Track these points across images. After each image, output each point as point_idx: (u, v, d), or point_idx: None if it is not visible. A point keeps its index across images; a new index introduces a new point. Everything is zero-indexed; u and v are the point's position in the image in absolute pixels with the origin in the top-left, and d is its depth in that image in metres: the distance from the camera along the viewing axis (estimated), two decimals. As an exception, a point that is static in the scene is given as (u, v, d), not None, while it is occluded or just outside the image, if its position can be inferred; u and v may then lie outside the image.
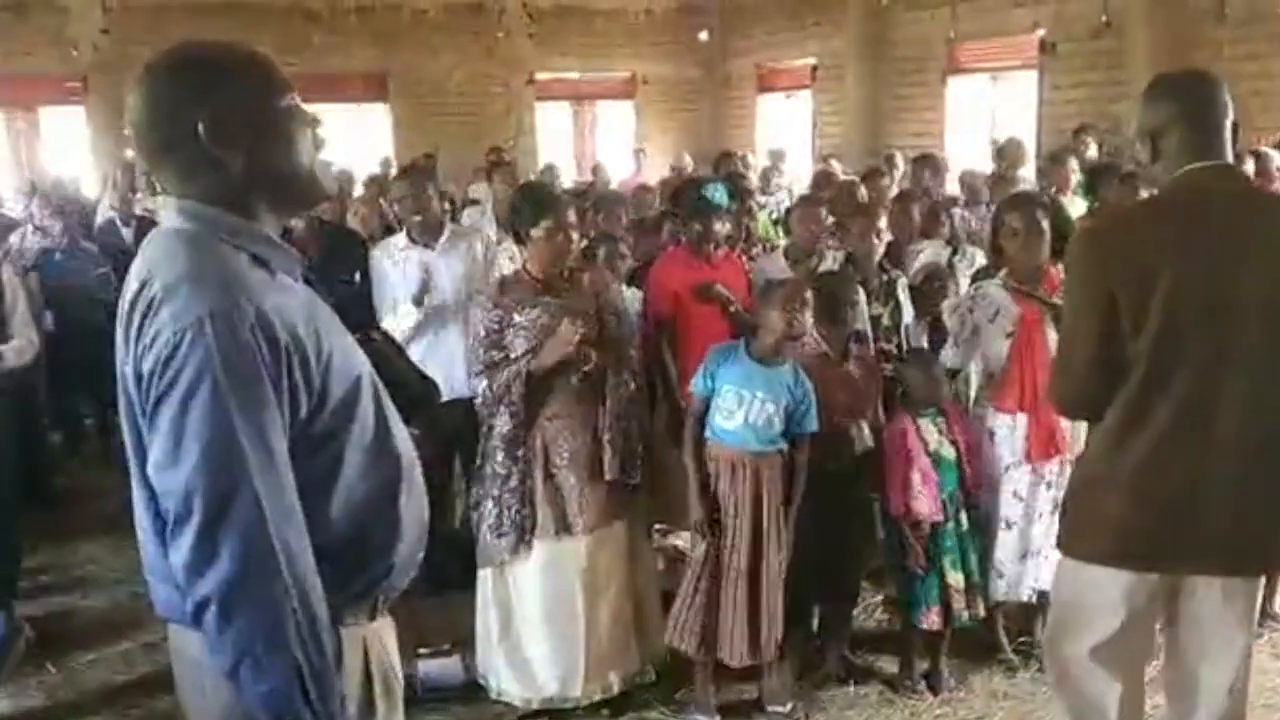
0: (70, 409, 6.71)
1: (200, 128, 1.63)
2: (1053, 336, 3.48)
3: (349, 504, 1.72)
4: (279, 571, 1.55)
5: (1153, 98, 2.54)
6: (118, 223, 7.85)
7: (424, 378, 3.21)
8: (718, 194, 4.60)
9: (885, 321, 4.55)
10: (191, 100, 1.64)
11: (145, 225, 7.54)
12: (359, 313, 4.43)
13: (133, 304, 1.62)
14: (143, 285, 1.62)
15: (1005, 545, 3.85)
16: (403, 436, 1.84)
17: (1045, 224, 3.78)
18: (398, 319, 4.58)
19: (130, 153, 11.69)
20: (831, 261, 4.84)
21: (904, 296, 4.65)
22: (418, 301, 4.54)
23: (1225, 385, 2.38)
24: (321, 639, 1.60)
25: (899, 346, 4.50)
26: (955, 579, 3.77)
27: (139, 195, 8.62)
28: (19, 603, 4.54)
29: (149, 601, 1.78)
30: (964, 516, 3.80)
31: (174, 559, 1.56)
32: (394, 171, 9.86)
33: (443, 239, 4.77)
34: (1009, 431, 3.80)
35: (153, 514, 1.64)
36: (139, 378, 1.58)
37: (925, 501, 3.73)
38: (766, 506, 3.59)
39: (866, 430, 3.78)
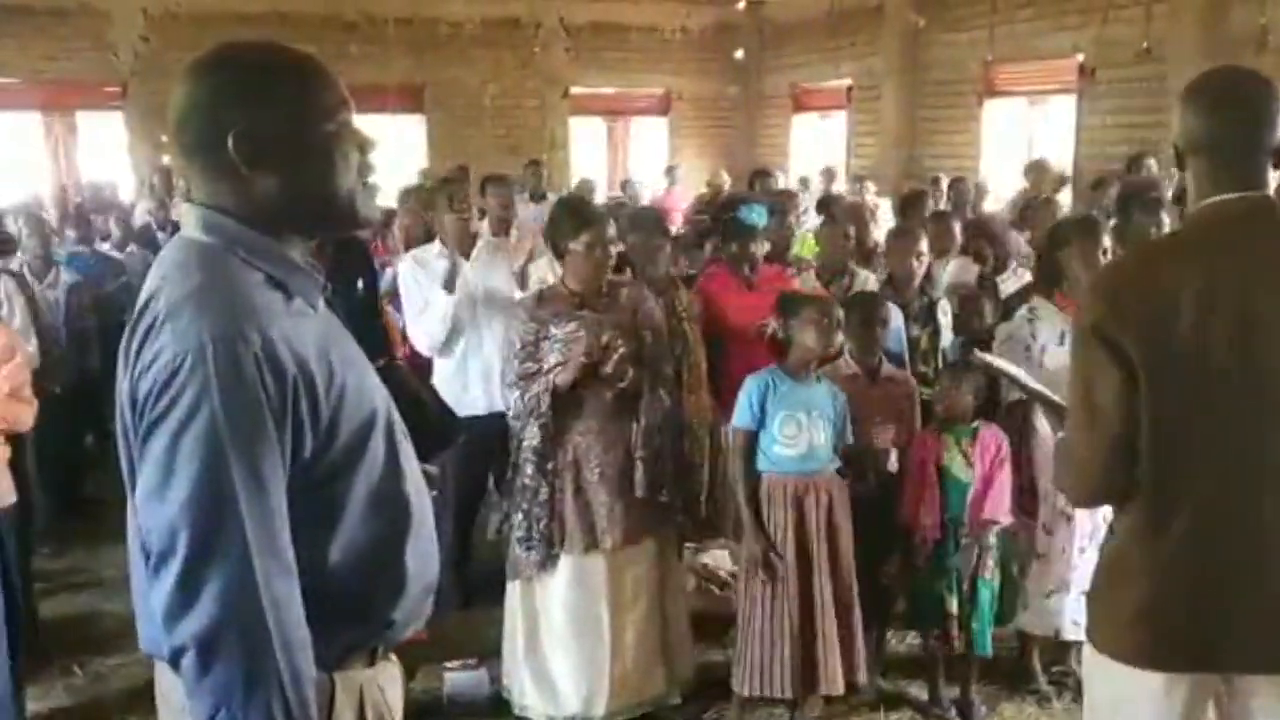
0: (102, 413, 6.73)
1: (230, 140, 1.53)
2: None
3: (350, 550, 1.59)
4: (264, 621, 1.43)
5: (1183, 107, 2.14)
6: (154, 228, 7.90)
7: (446, 412, 3.21)
8: (755, 215, 4.57)
9: (924, 344, 4.51)
10: (226, 108, 1.54)
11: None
12: (366, 321, 4.46)
13: (138, 318, 1.53)
14: (149, 300, 1.53)
15: (1079, 575, 3.75)
16: (415, 481, 1.71)
17: (1109, 244, 3.75)
18: (429, 316, 4.58)
19: (167, 159, 11.83)
20: (863, 282, 4.81)
21: (944, 319, 4.60)
22: (448, 286, 4.54)
23: (1268, 453, 2.02)
24: (305, 694, 1.49)
25: (937, 369, 4.45)
26: (951, 604, 3.70)
27: (176, 201, 8.67)
28: (45, 605, 4.55)
29: None
30: (953, 544, 3.70)
31: (154, 598, 1.46)
32: (429, 183, 9.91)
33: (476, 250, 4.77)
34: None
35: (141, 544, 1.52)
36: (134, 399, 1.48)
37: (926, 518, 3.68)
38: (817, 530, 3.55)
39: (894, 454, 3.73)
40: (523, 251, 4.94)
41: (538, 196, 9.64)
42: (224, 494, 1.42)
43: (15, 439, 3.99)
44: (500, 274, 4.74)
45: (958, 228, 5.46)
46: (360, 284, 4.88)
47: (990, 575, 3.69)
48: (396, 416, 1.71)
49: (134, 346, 1.51)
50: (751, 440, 3.59)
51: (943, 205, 7.79)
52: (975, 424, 3.75)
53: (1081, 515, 3.69)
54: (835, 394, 3.64)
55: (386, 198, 8.83)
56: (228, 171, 1.56)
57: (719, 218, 5.03)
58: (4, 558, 3.47)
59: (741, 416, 3.60)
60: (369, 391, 1.65)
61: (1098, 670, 2.22)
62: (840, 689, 3.62)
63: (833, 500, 3.60)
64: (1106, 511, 3.65)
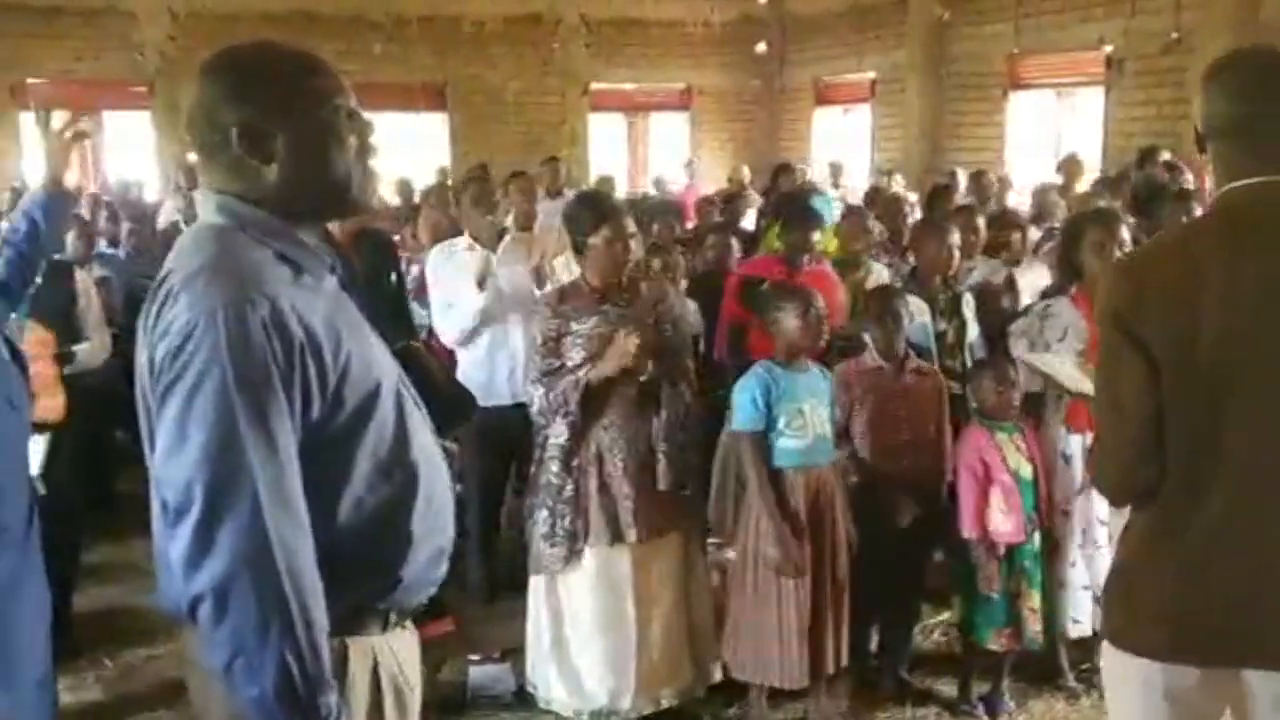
0: (132, 408, 6.80)
1: (234, 134, 1.64)
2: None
3: (357, 512, 1.68)
4: (276, 570, 1.51)
5: (1205, 89, 2.07)
6: (182, 226, 7.96)
7: (461, 390, 3.22)
8: (825, 206, 4.62)
9: (950, 338, 4.49)
10: (227, 105, 1.65)
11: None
12: (394, 315, 4.49)
13: (154, 293, 1.62)
14: (165, 276, 1.63)
15: (1077, 572, 3.77)
16: (426, 450, 1.79)
17: (1127, 239, 3.71)
18: (458, 312, 4.61)
19: (193, 156, 11.88)
20: (878, 274, 4.81)
21: (969, 313, 4.58)
22: (480, 283, 4.56)
23: None
24: (317, 643, 1.56)
25: (963, 364, 4.43)
26: (1033, 600, 3.69)
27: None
28: (76, 598, 4.59)
29: None
30: (1037, 537, 3.71)
31: (172, 551, 1.55)
32: (450, 181, 9.95)
33: (502, 245, 4.79)
34: (1083, 452, 3.70)
35: (162, 505, 1.62)
36: (152, 366, 1.57)
37: (1007, 520, 3.63)
38: (826, 519, 3.55)
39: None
40: (539, 248, 4.96)
41: (555, 193, 9.64)
42: (235, 449, 1.50)
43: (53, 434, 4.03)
44: (525, 269, 4.76)
45: (982, 223, 5.43)
46: (390, 276, 4.91)
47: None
48: (409, 390, 1.79)
49: (150, 317, 1.61)
50: (760, 441, 3.55)
51: (961, 199, 7.74)
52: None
53: (1080, 513, 3.72)
54: (824, 376, 3.66)
55: (411, 194, 8.91)
56: (236, 164, 1.67)
57: (781, 207, 5.04)
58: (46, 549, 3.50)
59: (747, 418, 3.56)
60: (376, 362, 1.73)
61: (1117, 665, 2.19)
62: (841, 665, 3.63)
63: (835, 489, 3.59)
64: (1100, 511, 3.68)
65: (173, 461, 1.53)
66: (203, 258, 1.61)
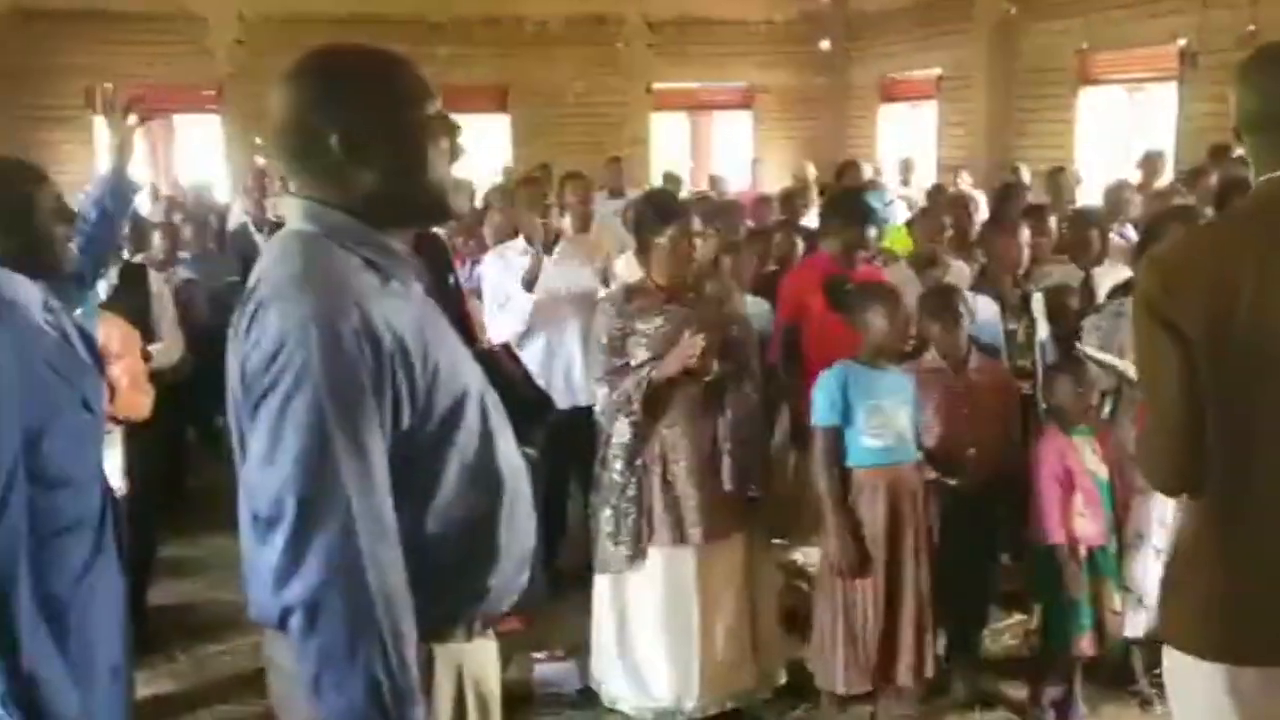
0: (203, 407, 6.91)
1: (333, 140, 1.62)
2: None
3: (446, 522, 1.67)
4: (366, 582, 1.51)
5: (1238, 84, 2.04)
6: (250, 228, 8.07)
7: (540, 393, 3.23)
8: (879, 201, 4.54)
9: (1020, 337, 4.42)
10: (326, 111, 1.63)
11: (277, 230, 7.78)
12: (455, 320, 4.51)
13: (244, 302, 1.62)
14: (255, 285, 1.62)
15: (1151, 574, 3.69)
16: (511, 459, 1.78)
17: None
18: (509, 314, 4.63)
19: (261, 159, 12.10)
20: (957, 272, 4.73)
21: (1039, 312, 4.51)
22: (527, 286, 4.57)
23: None
24: (405, 656, 1.55)
25: (1034, 363, 4.36)
26: (1115, 603, 3.63)
27: (272, 200, 8.85)
28: (150, 592, 4.68)
29: None
30: (1114, 538, 3.65)
31: (262, 561, 1.55)
32: (512, 182, 9.99)
33: (559, 247, 4.80)
34: None
35: (251, 513, 1.62)
36: (244, 376, 1.58)
37: (1090, 524, 3.58)
38: (906, 523, 3.51)
39: (972, 453, 3.66)
40: (600, 249, 4.96)
41: (617, 193, 9.66)
42: (328, 461, 1.50)
43: (128, 431, 4.10)
44: (581, 270, 4.76)
45: (1054, 222, 5.33)
46: (449, 279, 4.95)
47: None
48: (492, 396, 1.78)
49: (241, 328, 1.60)
50: (836, 437, 3.54)
51: (1035, 198, 7.61)
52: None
53: (1143, 512, 3.65)
54: (909, 378, 3.61)
55: (476, 196, 8.96)
56: (329, 169, 1.65)
57: (834, 204, 4.97)
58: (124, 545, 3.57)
59: (824, 413, 3.54)
60: (463, 370, 1.71)
61: (1177, 669, 2.13)
62: (911, 682, 3.58)
63: (918, 491, 3.55)
64: (1162, 512, 3.60)
65: (265, 472, 1.53)
66: (292, 267, 1.60)
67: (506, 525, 1.75)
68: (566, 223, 5.37)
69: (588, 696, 3.92)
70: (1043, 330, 4.50)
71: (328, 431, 1.50)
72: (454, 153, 1.73)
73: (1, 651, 2.13)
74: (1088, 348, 3.71)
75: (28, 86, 13.23)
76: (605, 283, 4.70)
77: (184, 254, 6.58)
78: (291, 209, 1.70)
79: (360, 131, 1.63)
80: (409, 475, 1.60)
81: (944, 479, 3.69)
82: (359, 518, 1.51)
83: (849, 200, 4.84)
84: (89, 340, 2.57)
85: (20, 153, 3.19)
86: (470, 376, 1.73)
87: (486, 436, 1.72)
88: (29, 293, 2.37)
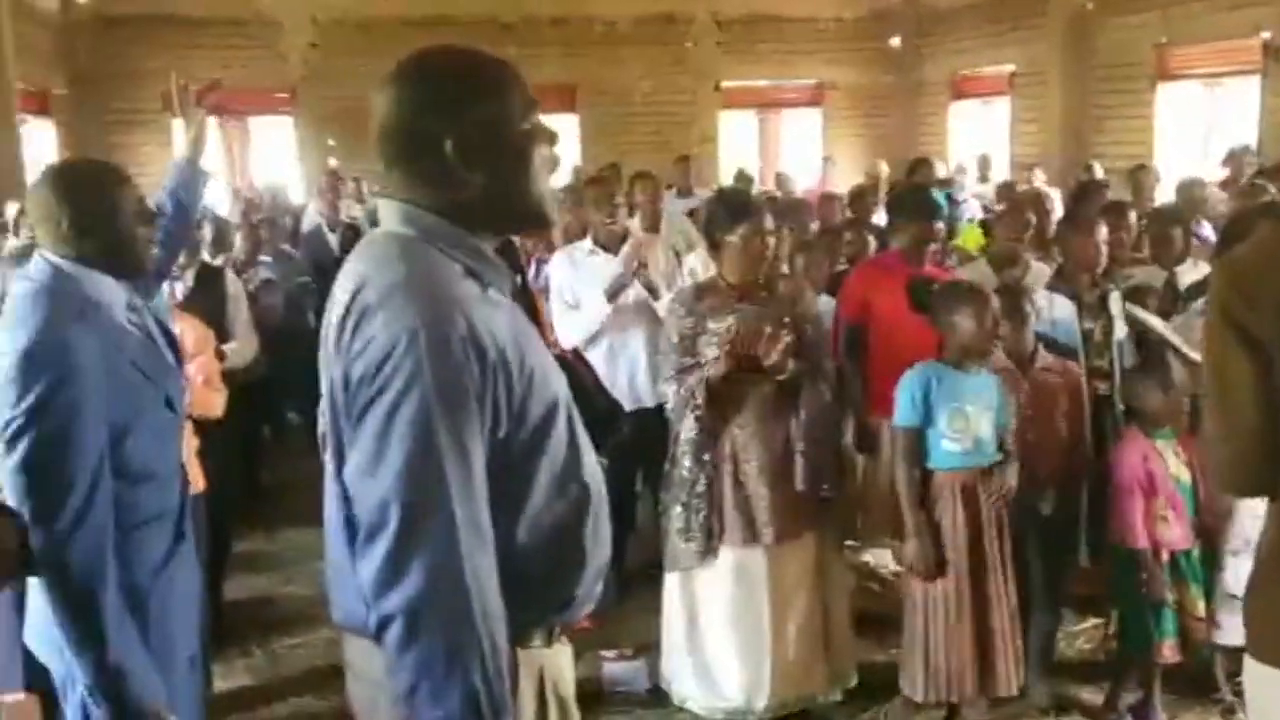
0: (277, 405, 7.04)
1: (448, 144, 1.60)
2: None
3: (535, 531, 1.65)
4: (467, 594, 1.50)
5: None
6: (324, 229, 8.19)
7: (612, 401, 3.23)
8: (942, 196, 4.47)
9: (1097, 337, 4.33)
10: (443, 114, 1.61)
11: (350, 232, 7.89)
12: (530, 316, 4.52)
13: (347, 309, 1.58)
14: (358, 290, 1.59)
15: (1239, 577, 3.59)
16: (592, 465, 1.76)
17: None
18: (584, 317, 4.64)
19: (334, 161, 12.29)
20: (1038, 271, 4.64)
21: (1116, 311, 4.41)
22: (611, 296, 4.57)
23: None
24: (501, 667, 1.54)
25: (1111, 363, 4.27)
26: (1199, 609, 3.55)
27: (345, 203, 8.96)
28: (226, 586, 4.77)
29: None
30: (1198, 542, 3.57)
31: (363, 571, 1.53)
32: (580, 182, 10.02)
33: (625, 247, 4.80)
34: None
35: (343, 518, 1.62)
36: (347, 382, 1.55)
37: (1173, 528, 3.51)
38: (986, 526, 3.46)
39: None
40: (666, 248, 4.95)
41: (685, 192, 9.64)
42: (434, 471, 1.49)
43: (203, 429, 4.19)
44: (649, 271, 4.74)
45: (1134, 217, 5.21)
46: (521, 281, 4.98)
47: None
48: (574, 404, 1.76)
49: (345, 335, 1.57)
50: (916, 439, 3.50)
51: (1115, 196, 7.44)
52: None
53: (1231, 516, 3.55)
54: (995, 380, 3.53)
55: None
56: (438, 175, 1.63)
57: (898, 201, 4.90)
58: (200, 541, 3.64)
59: (904, 414, 3.50)
60: (553, 378, 1.70)
61: (1257, 679, 2.05)
62: (1014, 690, 3.53)
63: (1000, 495, 3.49)
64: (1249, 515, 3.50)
65: (368, 480, 1.52)
66: (397, 273, 1.57)
67: (592, 533, 1.74)
68: (635, 223, 5.35)
69: (657, 695, 3.92)
70: (1120, 330, 4.41)
71: (435, 440, 1.48)
72: (553, 161, 1.72)
73: (90, 644, 2.17)
74: (1136, 309, 3.60)
75: (108, 91, 13.59)
76: (669, 283, 4.67)
77: (263, 255, 6.69)
78: (388, 211, 1.68)
79: (475, 136, 1.61)
80: (502, 484, 1.59)
81: (1025, 501, 3.61)
82: (462, 527, 1.50)
83: (915, 196, 4.77)
84: (170, 338, 2.63)
85: (102, 156, 3.25)
86: (559, 385, 1.72)
87: (573, 445, 1.71)
88: (114, 293, 2.42)
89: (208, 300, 4.76)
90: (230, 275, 5.27)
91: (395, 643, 1.50)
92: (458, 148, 1.61)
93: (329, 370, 1.63)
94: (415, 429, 1.48)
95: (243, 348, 4.91)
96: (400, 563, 1.49)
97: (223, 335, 4.75)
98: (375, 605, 1.51)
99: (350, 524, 1.59)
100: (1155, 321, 3.46)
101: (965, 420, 3.43)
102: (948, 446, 3.45)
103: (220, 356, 4.42)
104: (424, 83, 1.65)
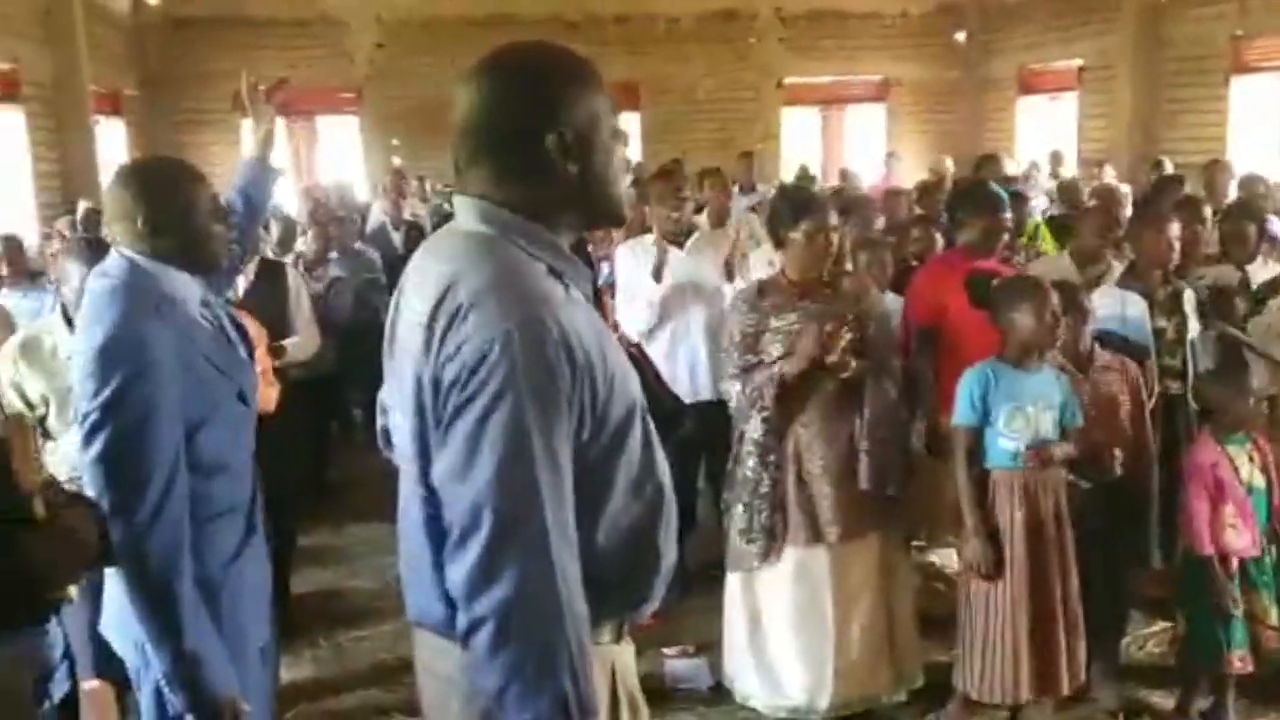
0: (344, 402, 7.14)
1: (549, 139, 1.60)
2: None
3: (614, 532, 1.65)
4: (558, 598, 1.50)
5: None
6: (388, 227, 8.28)
7: (676, 400, 3.20)
8: (1004, 191, 4.40)
9: (1169, 335, 4.24)
10: (548, 110, 1.61)
11: (414, 231, 7.96)
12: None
13: (435, 309, 1.56)
14: (447, 290, 1.57)
15: None
16: (664, 467, 1.75)
17: None
18: (637, 303, 4.65)
19: (398, 160, 12.41)
20: (1119, 271, 4.54)
21: (1190, 309, 4.32)
22: (656, 275, 4.58)
23: None
24: (589, 668, 1.55)
25: (1184, 361, 4.19)
26: (1271, 618, 3.48)
27: (410, 201, 9.05)
28: (293, 580, 4.84)
29: None
30: (1273, 550, 3.49)
31: (454, 574, 1.53)
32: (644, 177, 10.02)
33: (691, 240, 4.79)
34: None
35: (425, 518, 1.62)
36: (437, 384, 1.54)
37: (1241, 535, 3.44)
38: (1047, 525, 3.40)
39: (1119, 453, 3.49)
40: (730, 243, 4.93)
41: (748, 189, 9.61)
42: (528, 475, 1.49)
43: (263, 423, 4.24)
44: (711, 265, 4.73)
45: (1208, 213, 5.10)
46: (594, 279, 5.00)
47: None
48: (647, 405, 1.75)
49: (436, 335, 1.56)
50: (975, 437, 3.45)
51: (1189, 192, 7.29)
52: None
53: None
54: (1059, 378, 3.47)
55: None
56: (531, 171, 1.63)
57: (961, 197, 4.82)
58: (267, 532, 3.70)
59: (963, 413, 3.45)
60: (631, 380, 1.69)
61: None
62: (1069, 690, 3.48)
63: (1060, 494, 3.44)
64: None
65: (461, 484, 1.52)
66: (487, 274, 1.56)
67: (665, 534, 1.74)
68: (702, 217, 5.34)
69: (720, 693, 3.91)
70: (1193, 328, 4.32)
71: (528, 445, 1.48)
72: (627, 162, 1.74)
73: (167, 635, 2.21)
74: (1239, 334, 3.52)
75: (179, 91, 13.86)
76: (731, 278, 4.65)
77: (332, 253, 6.78)
78: (465, 209, 1.67)
79: (577, 131, 1.62)
80: (583, 487, 1.58)
81: (1079, 480, 3.55)
82: (553, 533, 1.50)
83: (978, 190, 4.69)
84: (243, 333, 2.67)
85: (173, 154, 3.30)
86: (635, 386, 1.71)
87: (648, 446, 1.70)
88: (188, 289, 2.46)
89: (269, 295, 4.83)
90: (291, 270, 5.33)
91: (486, 645, 1.50)
92: (560, 144, 1.61)
93: (406, 369, 1.62)
94: (509, 434, 1.48)
95: (304, 342, 4.96)
96: (492, 567, 1.49)
97: (285, 330, 4.81)
98: (466, 608, 1.51)
99: (432, 524, 1.59)
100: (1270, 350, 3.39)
101: (1025, 419, 3.38)
102: (1005, 445, 3.41)
103: (277, 353, 4.47)
104: (519, 78, 1.64)
